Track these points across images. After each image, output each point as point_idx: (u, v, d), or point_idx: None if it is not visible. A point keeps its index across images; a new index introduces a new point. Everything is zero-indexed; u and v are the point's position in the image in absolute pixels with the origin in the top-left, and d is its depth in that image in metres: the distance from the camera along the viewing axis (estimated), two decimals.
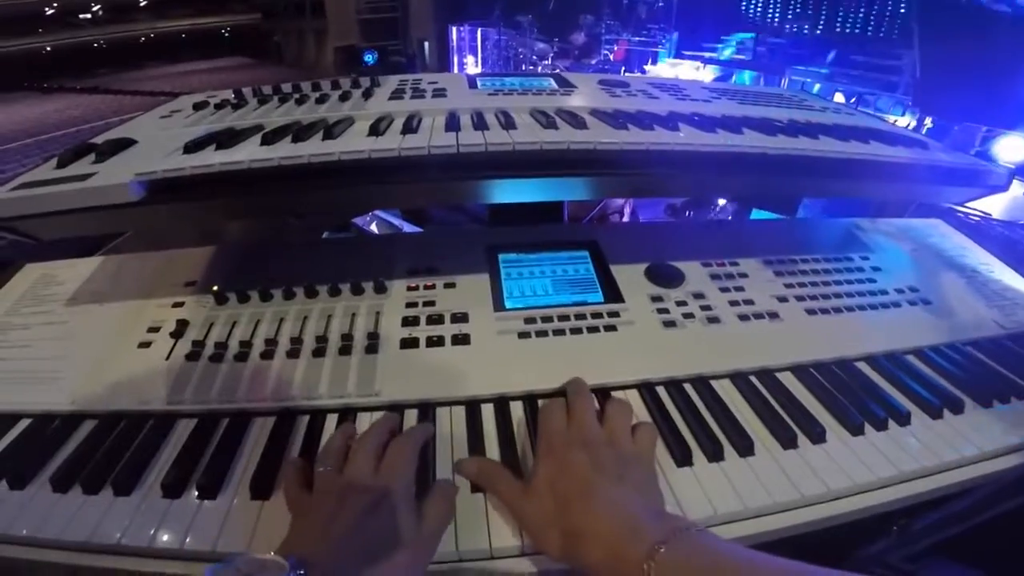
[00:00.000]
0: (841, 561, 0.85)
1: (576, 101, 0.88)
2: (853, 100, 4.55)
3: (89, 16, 15.74)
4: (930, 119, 3.54)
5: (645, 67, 6.64)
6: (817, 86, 5.00)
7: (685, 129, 0.72)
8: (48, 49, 14.86)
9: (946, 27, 3.01)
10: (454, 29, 8.58)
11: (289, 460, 0.57)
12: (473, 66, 8.32)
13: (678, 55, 6.49)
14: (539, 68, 6.97)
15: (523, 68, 7.13)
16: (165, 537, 0.50)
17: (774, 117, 0.87)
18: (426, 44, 9.42)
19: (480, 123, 0.68)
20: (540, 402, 0.65)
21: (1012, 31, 2.85)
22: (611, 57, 6.99)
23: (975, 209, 3.32)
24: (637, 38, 6.92)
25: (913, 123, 3.44)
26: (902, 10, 4.80)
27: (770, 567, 0.41)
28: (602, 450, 0.54)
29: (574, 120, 0.71)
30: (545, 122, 0.69)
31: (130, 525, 0.51)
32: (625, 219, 1.75)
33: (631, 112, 0.78)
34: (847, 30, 5.54)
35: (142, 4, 16.45)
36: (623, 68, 6.70)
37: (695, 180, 0.69)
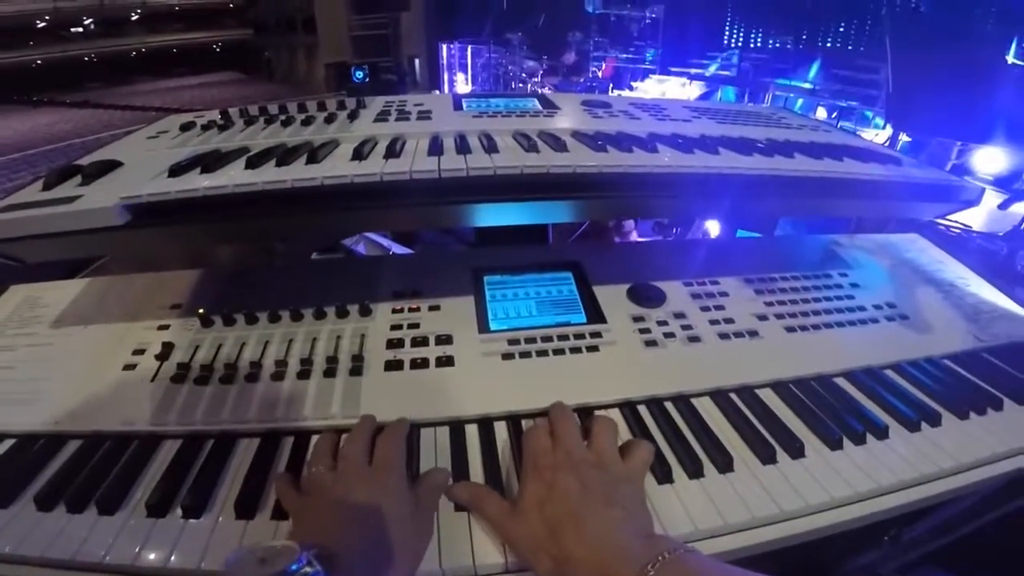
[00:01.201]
0: (832, 572, 0.86)
1: (558, 123, 0.90)
2: (835, 115, 4.63)
3: (80, 30, 15.75)
4: (905, 134, 3.61)
5: (633, 84, 6.73)
6: (800, 101, 5.09)
7: (664, 150, 0.74)
8: (39, 62, 14.83)
9: (916, 42, 3.09)
10: (444, 47, 8.67)
11: (278, 474, 0.57)
12: (463, 83, 8.40)
13: (665, 72, 6.59)
14: (528, 85, 7.06)
15: (513, 85, 7.21)
16: (150, 555, 0.50)
17: (751, 136, 0.89)
18: (417, 61, 9.50)
19: (463, 146, 0.70)
20: (524, 423, 0.66)
21: (981, 47, 2.94)
22: (599, 74, 7.08)
23: (955, 222, 3.38)
24: (625, 55, 7.02)
25: (889, 138, 3.51)
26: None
27: None
28: (590, 472, 0.54)
29: (555, 143, 0.72)
30: (527, 145, 0.71)
31: (114, 543, 0.51)
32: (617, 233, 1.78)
33: (611, 134, 0.80)
34: (829, 44, 5.66)
35: (134, 18, 16.49)
36: (611, 85, 6.80)
37: (673, 202, 0.71)
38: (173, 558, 0.50)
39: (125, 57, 16.46)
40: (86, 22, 15.69)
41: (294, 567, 0.39)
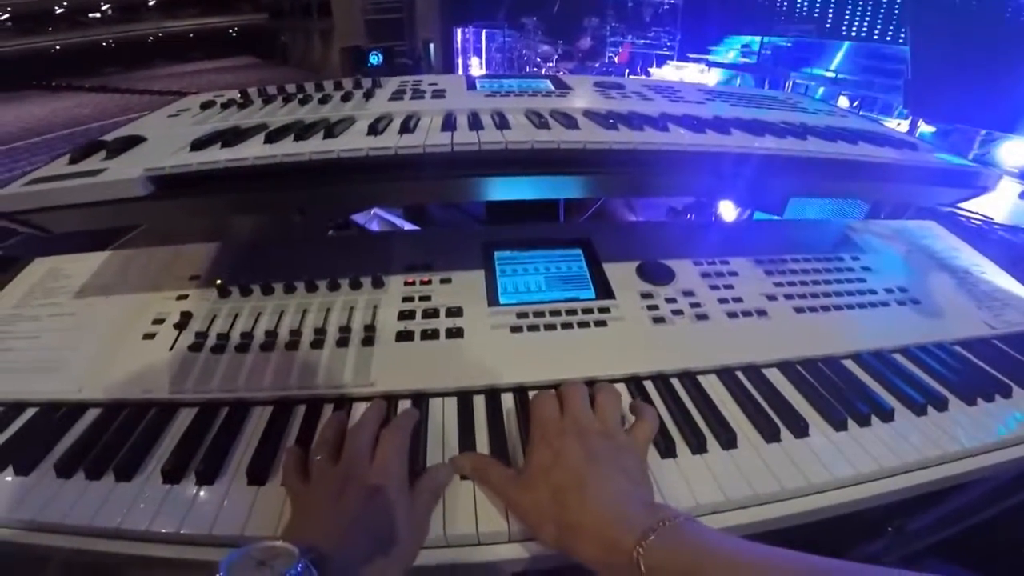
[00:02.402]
0: (836, 556, 0.87)
1: (571, 102, 0.91)
2: (856, 104, 4.55)
3: (98, 15, 15.87)
4: (926, 122, 3.54)
5: (650, 70, 6.65)
6: (821, 89, 5.00)
7: (674, 130, 0.74)
8: (57, 48, 14.98)
9: (936, 28, 3.01)
10: (459, 31, 8.62)
11: (288, 449, 0.58)
12: (478, 67, 8.35)
13: (683, 58, 6.49)
14: (543, 70, 7.00)
15: (527, 70, 7.15)
16: (163, 521, 0.52)
17: (765, 119, 0.89)
18: (431, 45, 9.45)
19: (475, 123, 0.71)
20: (530, 394, 0.67)
21: (1003, 33, 2.86)
22: (615, 60, 7.00)
23: (977, 213, 3.32)
24: (642, 41, 6.93)
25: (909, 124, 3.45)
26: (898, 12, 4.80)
27: (754, 554, 0.42)
28: (595, 439, 0.55)
29: (567, 120, 0.73)
30: (538, 122, 0.72)
31: (130, 509, 0.53)
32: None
33: (623, 113, 0.80)
34: (852, 33, 5.53)
35: (150, 3, 16.57)
36: (627, 71, 6.72)
37: (682, 179, 0.71)
38: (186, 524, 0.52)
39: (142, 42, 16.58)
40: (103, 7, 15.81)
41: (290, 572, 0.39)
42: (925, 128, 3.69)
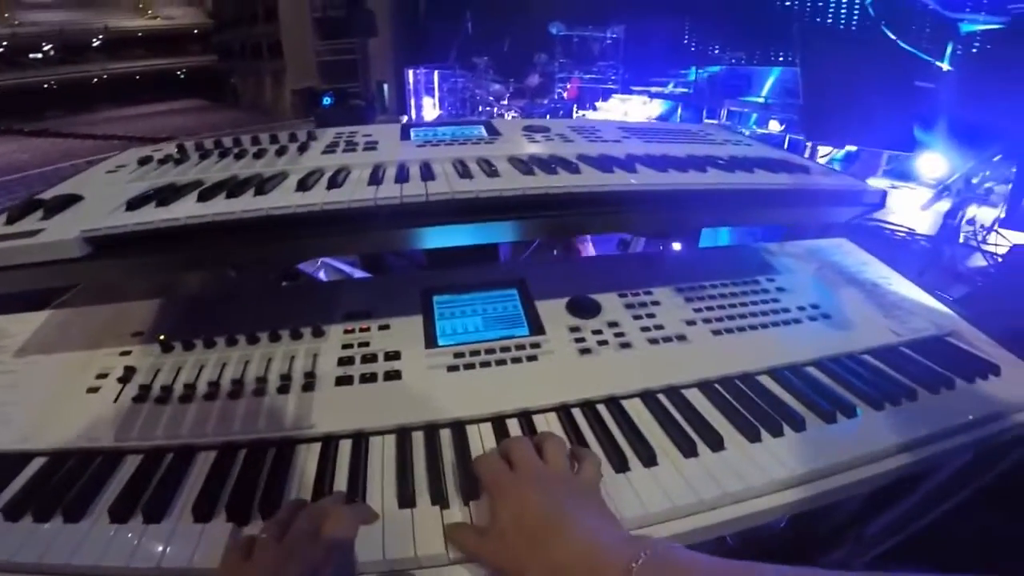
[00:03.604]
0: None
1: (498, 149, 0.97)
2: (783, 127, 4.83)
3: (40, 56, 15.42)
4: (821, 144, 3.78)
5: (596, 104, 6.89)
6: (755, 115, 5.29)
7: (586, 170, 0.81)
8: None
9: (823, 55, 3.25)
10: (411, 72, 8.75)
11: (235, 537, 0.57)
12: (431, 108, 8.48)
13: (627, 91, 6.77)
14: (495, 109, 7.16)
15: (480, 109, 7.30)
16: (113, 557, 0.54)
17: (673, 153, 0.97)
18: (385, 86, 9.56)
19: (401, 175, 0.76)
20: (468, 428, 0.70)
21: (883, 58, 3.13)
22: (564, 95, 7.23)
23: (900, 226, 3.56)
24: (588, 76, 7.20)
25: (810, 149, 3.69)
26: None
27: (736, 568, 0.46)
28: (554, 483, 0.57)
29: (488, 168, 0.79)
30: (462, 171, 0.77)
31: (79, 548, 0.55)
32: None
33: (543, 157, 0.87)
34: (781, 59, 5.91)
35: (95, 44, 16.23)
36: (575, 105, 6.95)
37: (595, 218, 0.77)
38: (135, 559, 0.54)
39: (86, 84, 16.15)
40: (45, 48, 15.40)
41: None
42: (842, 151, 3.96)
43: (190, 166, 0.93)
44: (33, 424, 0.70)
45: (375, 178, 0.76)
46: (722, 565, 0.46)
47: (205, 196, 0.72)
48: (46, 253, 0.67)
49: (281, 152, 0.95)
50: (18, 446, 0.68)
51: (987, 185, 3.25)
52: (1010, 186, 3.06)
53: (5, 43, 14.37)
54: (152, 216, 0.69)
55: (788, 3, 5.98)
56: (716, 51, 6.48)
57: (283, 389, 0.74)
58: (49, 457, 0.67)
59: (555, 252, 1.62)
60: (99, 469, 0.64)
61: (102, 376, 0.78)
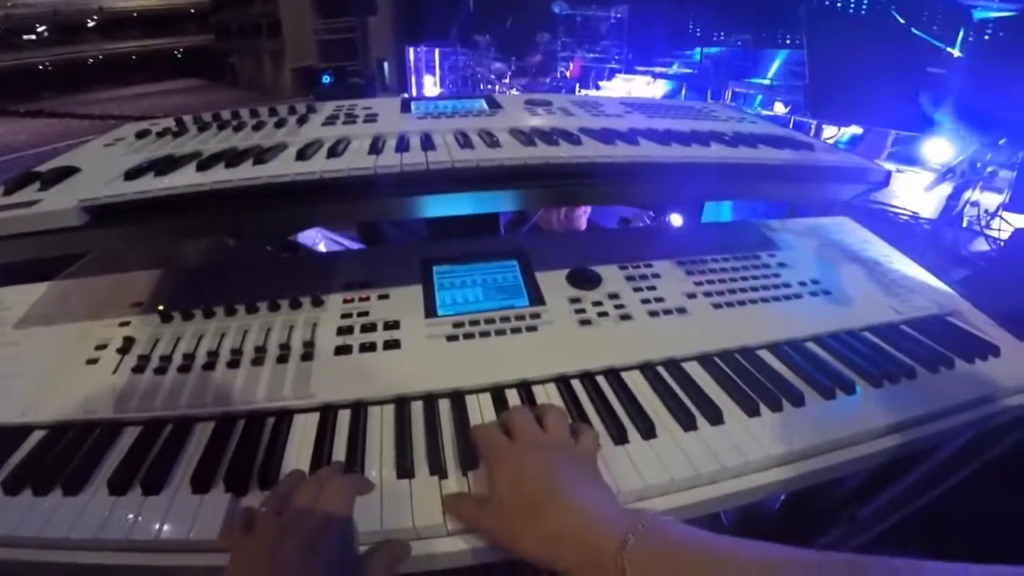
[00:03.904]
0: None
1: (499, 121, 0.96)
2: (788, 109, 4.79)
3: (34, 37, 15.26)
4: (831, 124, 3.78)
5: (600, 83, 6.82)
6: (759, 97, 5.24)
7: (587, 142, 0.80)
8: None
9: (830, 36, 3.25)
10: (412, 50, 8.65)
11: (240, 508, 0.57)
12: (432, 86, 8.40)
13: (631, 70, 6.69)
14: (497, 87, 7.08)
15: (481, 87, 7.22)
16: (112, 530, 0.54)
17: (676, 128, 0.96)
18: (385, 64, 9.45)
19: (401, 145, 0.75)
20: (467, 398, 0.71)
21: (890, 39, 3.12)
22: (567, 74, 7.15)
23: (904, 209, 3.55)
24: (591, 55, 7.11)
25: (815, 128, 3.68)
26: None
27: (726, 545, 0.46)
28: (553, 451, 0.57)
29: (490, 139, 0.78)
30: (463, 142, 0.76)
31: (78, 520, 0.55)
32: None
33: (544, 129, 0.86)
34: (788, 41, 5.84)
35: (90, 24, 16.04)
36: (578, 84, 6.88)
37: (597, 189, 0.77)
38: (134, 531, 0.54)
39: (82, 64, 15.99)
40: (40, 29, 15.22)
41: None
42: (849, 131, 3.93)
43: (188, 138, 0.92)
44: (32, 397, 0.71)
45: (375, 148, 0.75)
46: (715, 540, 0.47)
47: (204, 166, 0.71)
48: (44, 222, 0.66)
49: (280, 124, 0.94)
50: (17, 419, 0.68)
51: (990, 170, 3.25)
52: (1015, 172, 3.05)
53: None
54: (150, 185, 0.69)
55: None
56: (721, 34, 6.40)
57: (282, 359, 0.74)
58: (48, 430, 0.67)
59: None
60: (98, 441, 0.65)
61: (101, 347, 0.78)
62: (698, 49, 6.27)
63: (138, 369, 0.73)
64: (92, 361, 0.76)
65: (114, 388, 0.71)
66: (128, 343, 0.78)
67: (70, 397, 0.70)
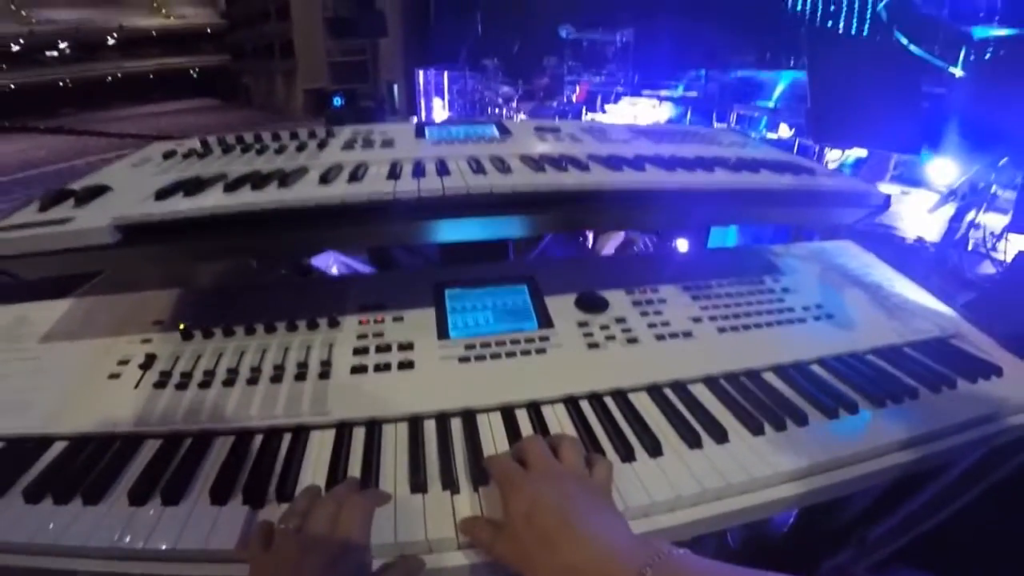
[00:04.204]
0: (807, 572, 0.92)
1: (510, 148, 0.99)
2: (792, 132, 4.84)
3: (56, 54, 15.61)
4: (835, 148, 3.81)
5: (606, 106, 6.91)
6: (764, 119, 5.30)
7: (595, 169, 0.83)
8: (12, 87, 14.61)
9: (831, 60, 3.29)
10: (421, 73, 8.79)
11: (258, 522, 0.58)
12: (440, 109, 8.52)
13: (636, 94, 6.78)
14: (504, 110, 7.19)
15: (489, 110, 7.34)
16: (130, 539, 0.56)
17: (681, 154, 0.98)
18: (395, 87, 9.61)
19: (418, 171, 0.78)
20: (478, 417, 0.73)
21: (890, 63, 3.16)
22: (573, 98, 7.25)
23: (910, 231, 3.56)
24: (597, 78, 7.21)
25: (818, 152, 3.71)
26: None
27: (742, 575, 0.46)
28: (567, 481, 0.57)
29: (502, 166, 0.81)
30: (476, 168, 0.79)
31: (96, 529, 0.57)
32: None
33: (554, 156, 0.89)
34: (790, 64, 5.92)
35: (110, 43, 16.40)
36: (584, 108, 6.97)
37: (605, 215, 0.80)
38: (151, 541, 0.56)
39: (100, 82, 16.33)
40: (61, 46, 15.58)
41: None
42: (854, 154, 3.96)
43: (213, 160, 0.96)
44: (55, 409, 0.73)
45: (393, 173, 0.78)
46: (732, 572, 0.46)
47: (231, 188, 0.75)
48: (78, 240, 0.69)
49: (301, 148, 0.98)
50: (40, 430, 0.70)
51: (993, 190, 3.24)
52: (1017, 193, 3.05)
53: (22, 40, 14.55)
54: (181, 206, 0.72)
55: (799, 8, 6.00)
56: (727, 56, 6.49)
57: (300, 377, 0.77)
58: (70, 441, 0.69)
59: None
60: (118, 453, 0.67)
61: (123, 363, 0.80)
62: (703, 72, 6.35)
63: (159, 384, 0.76)
64: (114, 376, 0.78)
65: (135, 402, 0.73)
66: (150, 359, 0.80)
67: (92, 410, 0.73)
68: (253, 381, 0.76)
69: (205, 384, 0.76)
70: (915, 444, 0.71)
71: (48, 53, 15.53)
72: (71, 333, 0.88)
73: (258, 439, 0.70)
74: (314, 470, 0.65)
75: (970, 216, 3.09)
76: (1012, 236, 3.02)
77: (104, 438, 0.69)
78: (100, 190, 0.81)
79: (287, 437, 0.70)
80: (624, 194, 0.78)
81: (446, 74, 8.35)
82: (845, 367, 0.84)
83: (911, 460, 0.70)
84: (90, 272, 1.08)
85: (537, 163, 0.83)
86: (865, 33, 5.53)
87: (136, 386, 0.76)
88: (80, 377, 0.79)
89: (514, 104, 7.28)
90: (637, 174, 0.82)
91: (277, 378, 0.77)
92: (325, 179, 0.76)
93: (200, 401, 0.73)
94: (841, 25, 5.88)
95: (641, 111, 6.50)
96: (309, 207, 0.70)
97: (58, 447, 0.69)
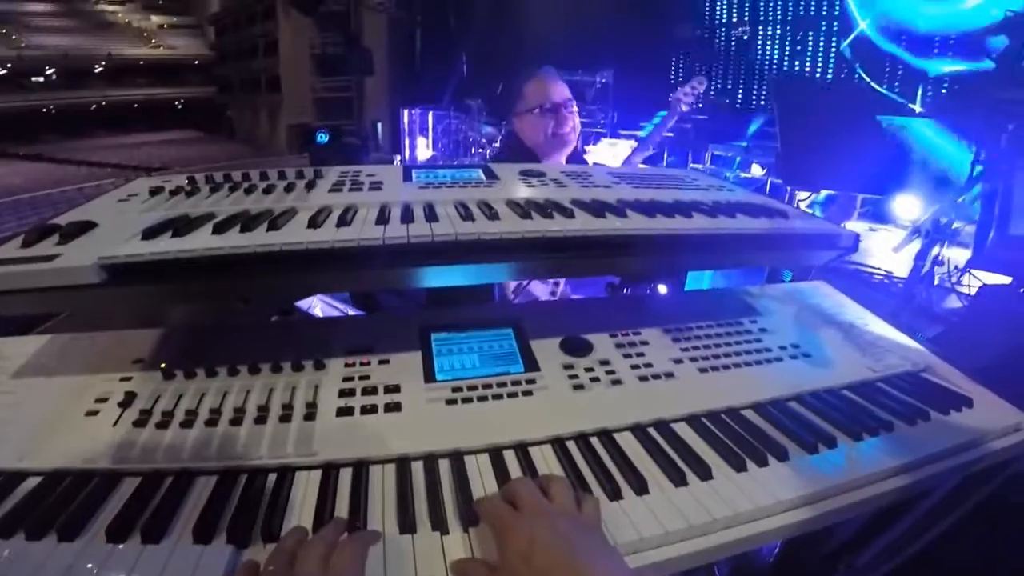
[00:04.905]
0: None
1: (496, 193, 1.02)
2: (764, 171, 5.00)
3: (42, 79, 15.52)
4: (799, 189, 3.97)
5: (586, 147, 7.08)
6: (738, 159, 5.47)
7: (580, 215, 0.86)
8: None
9: (798, 105, 3.45)
10: (406, 112, 8.91)
11: (244, 563, 0.57)
12: (424, 148, 8.63)
13: (615, 135, 6.95)
14: (487, 151, 7.30)
15: (472, 150, 7.45)
16: None
17: (660, 199, 1.02)
18: (379, 125, 9.72)
19: (407, 216, 0.80)
20: (465, 459, 0.73)
21: (854, 108, 3.33)
22: None
23: (879, 268, 3.68)
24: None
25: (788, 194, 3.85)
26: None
27: None
28: (561, 520, 0.58)
29: (489, 211, 0.83)
30: (464, 214, 0.81)
31: (72, 567, 0.55)
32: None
33: (539, 202, 0.92)
34: (762, 104, 6.15)
35: (97, 70, 16.39)
36: None
37: (588, 261, 0.82)
38: None
39: (85, 110, 16.26)
40: (48, 72, 15.53)
41: None
42: (823, 192, 4.12)
43: (201, 198, 0.96)
44: (30, 444, 0.71)
45: (382, 218, 0.80)
46: None
47: (220, 229, 0.75)
48: (62, 278, 0.68)
49: (289, 189, 0.99)
50: (13, 465, 0.68)
51: (955, 226, 3.36)
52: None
53: (9, 65, 14.46)
54: (168, 246, 0.72)
55: (766, 52, 6.28)
56: (701, 99, 6.72)
57: (285, 418, 0.76)
58: (44, 477, 0.67)
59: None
60: (96, 489, 0.64)
61: (101, 400, 0.79)
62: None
63: (139, 423, 0.74)
64: (92, 413, 0.77)
65: (114, 440, 0.71)
66: (129, 397, 0.79)
67: (69, 446, 0.70)
68: (236, 422, 0.75)
69: (187, 423, 0.75)
70: (893, 475, 0.74)
71: (34, 79, 15.44)
72: (47, 369, 0.86)
73: (242, 479, 0.68)
74: (300, 511, 0.64)
75: (935, 252, 3.20)
76: (976, 271, 3.13)
77: (81, 474, 0.67)
78: (86, 226, 0.81)
79: (272, 477, 0.69)
80: (607, 240, 0.81)
81: (431, 114, 8.48)
82: (822, 403, 0.86)
83: (891, 490, 0.73)
84: (75, 309, 1.06)
85: (523, 209, 0.85)
86: (831, 73, 5.79)
87: (115, 424, 0.75)
88: (56, 413, 0.77)
89: (497, 144, 7.42)
90: (619, 220, 0.85)
91: (261, 419, 0.76)
92: (314, 222, 0.77)
93: (182, 440, 0.72)
94: (808, 66, 6.14)
95: (620, 152, 6.66)
96: (299, 251, 0.71)
97: (32, 482, 0.66)
